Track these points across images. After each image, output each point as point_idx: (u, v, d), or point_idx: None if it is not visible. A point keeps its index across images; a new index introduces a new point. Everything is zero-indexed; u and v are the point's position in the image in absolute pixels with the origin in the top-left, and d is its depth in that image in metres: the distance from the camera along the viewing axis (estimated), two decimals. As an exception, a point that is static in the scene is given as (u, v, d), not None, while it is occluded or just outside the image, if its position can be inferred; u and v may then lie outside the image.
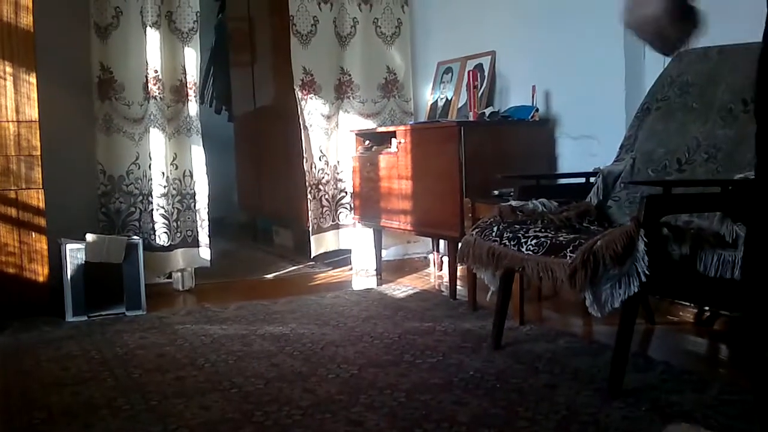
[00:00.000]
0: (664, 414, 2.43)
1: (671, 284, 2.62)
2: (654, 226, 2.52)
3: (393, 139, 4.73)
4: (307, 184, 5.22)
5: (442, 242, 5.18)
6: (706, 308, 3.53)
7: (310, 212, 5.22)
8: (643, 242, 2.46)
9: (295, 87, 5.18)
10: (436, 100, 5.22)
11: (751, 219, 1.12)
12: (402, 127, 4.71)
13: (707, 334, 3.47)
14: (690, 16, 1.23)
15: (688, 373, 2.81)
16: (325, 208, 5.29)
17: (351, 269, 5.41)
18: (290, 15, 5.15)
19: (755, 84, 1.11)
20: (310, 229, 5.23)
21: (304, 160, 5.20)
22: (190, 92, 4.80)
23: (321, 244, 5.29)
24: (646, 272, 2.44)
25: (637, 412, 2.45)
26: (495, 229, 3.04)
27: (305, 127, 5.20)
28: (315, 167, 5.24)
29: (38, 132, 4.11)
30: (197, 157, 4.82)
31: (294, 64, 5.18)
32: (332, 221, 5.33)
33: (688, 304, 3.58)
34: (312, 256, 5.37)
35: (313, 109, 5.22)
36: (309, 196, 5.22)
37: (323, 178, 5.27)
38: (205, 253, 4.86)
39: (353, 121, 5.33)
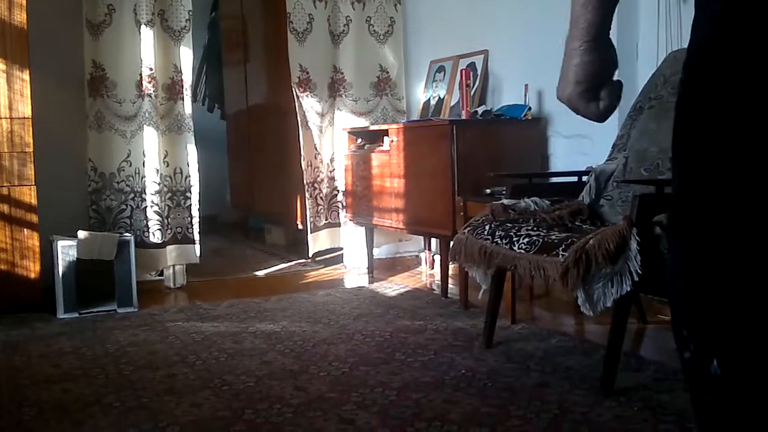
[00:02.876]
0: (656, 413, 2.43)
1: (663, 283, 2.61)
2: (646, 225, 2.52)
3: (385, 138, 4.73)
4: (304, 182, 5.21)
5: (434, 241, 5.18)
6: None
7: (307, 210, 5.22)
8: (636, 241, 2.46)
9: (292, 85, 5.17)
10: (429, 98, 5.21)
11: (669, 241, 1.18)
12: (394, 126, 4.71)
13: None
14: (607, 95, 1.27)
15: (680, 373, 2.79)
16: (320, 207, 5.29)
17: (343, 267, 5.40)
18: (287, 12, 5.14)
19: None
20: (308, 227, 5.23)
21: (302, 158, 5.19)
22: (183, 90, 4.79)
23: (316, 242, 5.29)
24: (639, 271, 2.44)
25: (629, 411, 2.46)
26: (487, 227, 3.04)
27: (303, 125, 5.19)
28: (311, 165, 5.23)
29: (31, 129, 4.11)
30: (189, 154, 4.82)
31: (291, 61, 5.17)
32: (326, 219, 5.33)
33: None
34: (311, 254, 5.36)
35: (308, 107, 5.21)
36: (306, 194, 5.21)
37: (318, 176, 5.27)
38: (195, 250, 4.85)
39: (346, 120, 5.33)
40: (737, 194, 1.04)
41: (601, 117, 1.31)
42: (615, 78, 1.30)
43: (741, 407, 1.06)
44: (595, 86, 1.27)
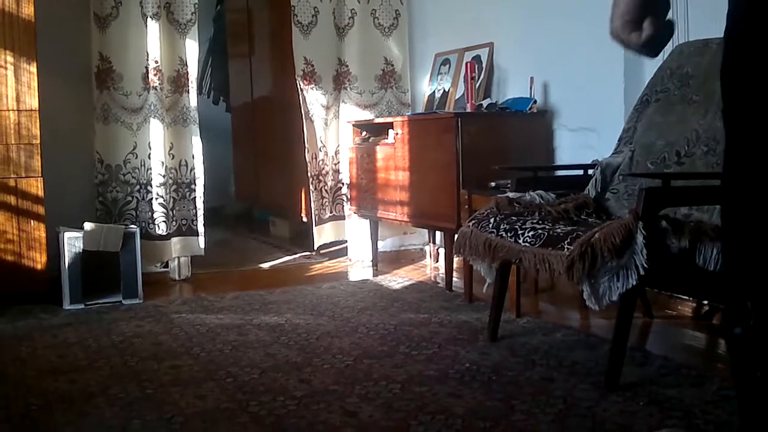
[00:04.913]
0: (662, 408, 2.42)
1: (670, 277, 2.62)
2: (653, 218, 2.51)
3: (390, 131, 4.72)
4: (308, 174, 5.21)
5: (438, 234, 5.18)
6: (705, 302, 3.52)
7: (312, 203, 5.22)
8: (642, 235, 2.45)
9: (296, 77, 5.17)
10: (434, 91, 5.20)
11: (725, 209, 1.17)
12: (399, 119, 4.70)
13: (706, 329, 3.46)
14: (649, 25, 1.28)
15: (686, 368, 2.80)
16: (324, 199, 5.29)
17: (347, 260, 5.41)
18: (291, 5, 5.13)
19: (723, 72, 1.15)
20: (313, 219, 5.23)
21: (306, 151, 5.19)
22: (189, 83, 4.80)
23: (320, 235, 5.29)
24: (645, 265, 2.43)
25: (635, 406, 2.45)
26: (492, 220, 3.03)
27: (307, 118, 5.19)
28: (316, 158, 5.23)
29: (38, 121, 4.12)
30: (194, 147, 4.82)
31: (296, 54, 5.16)
32: (331, 212, 5.33)
33: (686, 297, 3.58)
34: (316, 247, 5.36)
35: (313, 99, 5.21)
36: (311, 187, 5.21)
37: (323, 169, 5.27)
38: (199, 242, 4.85)
39: (351, 112, 5.32)
40: None
41: (645, 48, 1.32)
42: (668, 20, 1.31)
43: None
44: (639, 18, 1.30)
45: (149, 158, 4.65)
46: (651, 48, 1.32)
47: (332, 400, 2.55)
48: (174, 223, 4.77)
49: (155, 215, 4.65)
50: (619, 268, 2.47)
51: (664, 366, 2.84)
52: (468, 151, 4.09)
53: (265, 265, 5.39)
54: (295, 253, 5.73)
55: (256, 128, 6.81)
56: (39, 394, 2.70)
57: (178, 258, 4.82)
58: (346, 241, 5.46)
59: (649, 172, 3.09)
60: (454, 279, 4.37)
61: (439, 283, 4.60)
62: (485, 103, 4.48)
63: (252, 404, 2.54)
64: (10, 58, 4.05)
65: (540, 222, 2.89)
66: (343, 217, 5.37)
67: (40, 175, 4.12)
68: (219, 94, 7.64)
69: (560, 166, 4.11)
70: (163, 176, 4.66)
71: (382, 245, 5.34)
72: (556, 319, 3.65)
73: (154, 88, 4.62)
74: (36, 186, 4.11)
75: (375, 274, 4.92)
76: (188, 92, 4.81)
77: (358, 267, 5.22)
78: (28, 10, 4.08)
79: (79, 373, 2.92)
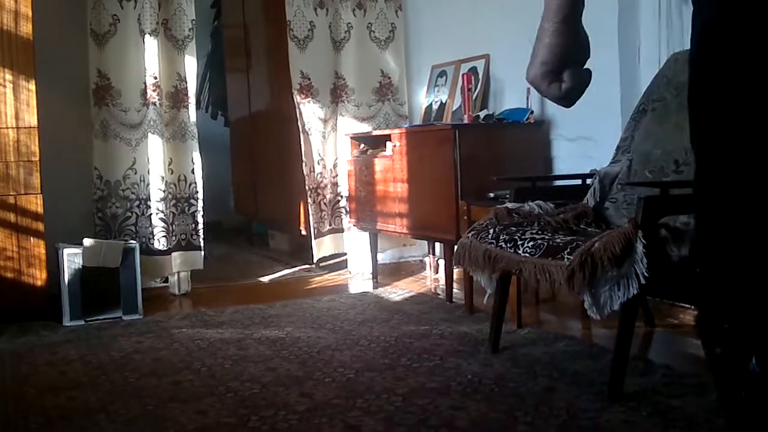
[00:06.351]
0: (666, 419, 2.41)
1: (671, 286, 2.61)
2: (652, 227, 2.51)
3: (388, 143, 4.73)
4: (306, 188, 5.21)
5: (438, 245, 5.18)
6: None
7: (310, 216, 5.22)
8: (642, 244, 2.45)
9: (293, 91, 5.18)
10: (431, 103, 5.21)
11: (699, 235, 1.17)
12: (397, 131, 4.70)
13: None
14: (569, 77, 1.28)
15: (689, 377, 2.78)
16: (323, 212, 5.29)
17: (347, 273, 5.40)
18: (287, 20, 5.15)
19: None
20: (312, 233, 5.23)
21: (303, 164, 5.19)
22: (187, 98, 4.80)
23: (320, 248, 5.29)
24: (645, 274, 2.43)
25: (638, 416, 2.44)
26: (491, 231, 3.03)
27: (304, 132, 5.20)
28: (314, 171, 5.23)
29: (37, 138, 4.12)
30: (194, 161, 4.82)
31: (292, 68, 5.18)
32: (330, 225, 5.33)
33: (688, 306, 3.57)
34: (315, 260, 5.36)
35: (310, 113, 5.22)
36: (309, 200, 5.22)
37: (321, 182, 5.27)
38: (199, 256, 4.85)
39: (349, 125, 5.33)
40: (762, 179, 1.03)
41: (564, 99, 1.30)
42: (587, 68, 1.30)
43: None
44: (559, 68, 1.28)
45: (148, 173, 4.65)
46: (570, 99, 1.30)
47: (334, 414, 2.55)
48: (174, 237, 4.77)
49: (155, 230, 4.65)
50: (619, 277, 2.47)
51: (666, 375, 2.82)
52: (466, 162, 4.09)
53: (265, 279, 5.39)
54: (295, 267, 5.73)
55: (254, 142, 6.82)
56: (39, 411, 2.69)
57: (178, 273, 4.81)
58: (345, 254, 5.45)
59: (648, 181, 3.09)
60: (455, 290, 4.37)
61: (439, 294, 4.60)
62: (482, 114, 4.48)
63: (253, 419, 2.53)
64: (8, 76, 4.06)
65: (539, 232, 2.88)
66: (342, 230, 5.37)
67: (39, 192, 4.13)
68: (217, 109, 7.67)
69: (558, 176, 4.11)
70: (163, 191, 4.66)
71: (381, 257, 5.33)
72: (558, 330, 3.64)
73: (153, 103, 4.62)
74: (35, 203, 4.11)
75: (375, 287, 4.91)
76: (187, 107, 4.82)
77: (358, 279, 5.21)
78: (26, 28, 4.10)
79: (80, 389, 2.92)
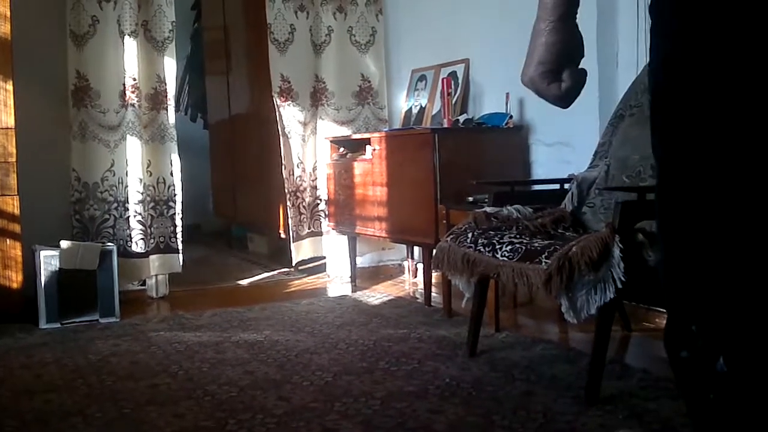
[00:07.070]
0: (642, 421, 2.43)
1: (647, 290, 2.62)
2: (629, 232, 2.53)
3: (367, 146, 4.73)
4: (286, 191, 5.21)
5: (416, 249, 5.18)
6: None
7: (289, 219, 5.21)
8: (619, 248, 2.46)
9: (273, 94, 5.17)
10: (411, 107, 5.22)
11: (662, 240, 1.18)
12: (377, 134, 4.71)
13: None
14: (569, 76, 1.28)
15: (665, 380, 2.79)
16: (303, 216, 5.28)
17: (326, 276, 5.40)
18: (268, 23, 5.14)
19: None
20: (291, 236, 5.22)
21: (283, 167, 5.18)
22: (166, 100, 4.78)
23: (299, 251, 5.28)
24: (622, 278, 2.45)
25: (615, 419, 2.45)
26: (470, 235, 3.04)
27: (284, 135, 5.19)
28: (293, 174, 5.23)
29: (14, 139, 4.09)
30: (172, 164, 4.80)
31: (272, 71, 5.17)
32: (309, 228, 5.32)
33: (664, 310, 3.59)
34: (294, 264, 5.35)
35: (290, 116, 5.21)
36: (288, 203, 5.21)
37: (301, 185, 5.26)
38: (177, 259, 4.83)
39: (328, 128, 5.33)
40: (725, 186, 1.05)
41: (563, 99, 1.30)
42: (581, 68, 1.30)
43: (745, 405, 1.06)
44: (557, 68, 1.27)
45: (127, 176, 4.63)
46: (569, 99, 1.30)
47: (312, 418, 2.54)
48: (152, 240, 4.74)
49: (133, 233, 4.63)
50: (596, 281, 2.49)
51: (643, 379, 2.84)
52: (445, 167, 4.10)
53: (244, 282, 5.37)
54: (274, 270, 5.72)
55: (233, 145, 6.80)
56: (15, 414, 2.67)
57: (156, 275, 4.79)
58: (324, 257, 5.45)
59: (625, 186, 3.11)
60: (433, 294, 4.37)
61: (417, 298, 4.60)
62: (462, 118, 4.50)
63: (231, 422, 2.52)
64: (-15, 77, 4.03)
65: (518, 236, 2.90)
66: (321, 234, 5.36)
67: (16, 193, 4.09)
68: (196, 111, 7.64)
69: (537, 181, 4.13)
70: (141, 193, 4.64)
71: (360, 261, 5.33)
72: (535, 333, 3.66)
73: (132, 105, 4.60)
74: (12, 204, 4.08)
75: (354, 290, 4.91)
76: (166, 109, 4.79)
77: (337, 283, 5.21)
78: (4, 28, 4.07)
79: (56, 392, 2.90)
